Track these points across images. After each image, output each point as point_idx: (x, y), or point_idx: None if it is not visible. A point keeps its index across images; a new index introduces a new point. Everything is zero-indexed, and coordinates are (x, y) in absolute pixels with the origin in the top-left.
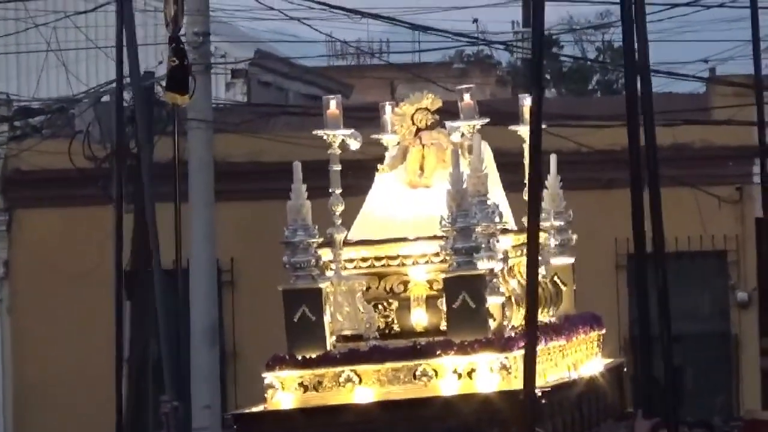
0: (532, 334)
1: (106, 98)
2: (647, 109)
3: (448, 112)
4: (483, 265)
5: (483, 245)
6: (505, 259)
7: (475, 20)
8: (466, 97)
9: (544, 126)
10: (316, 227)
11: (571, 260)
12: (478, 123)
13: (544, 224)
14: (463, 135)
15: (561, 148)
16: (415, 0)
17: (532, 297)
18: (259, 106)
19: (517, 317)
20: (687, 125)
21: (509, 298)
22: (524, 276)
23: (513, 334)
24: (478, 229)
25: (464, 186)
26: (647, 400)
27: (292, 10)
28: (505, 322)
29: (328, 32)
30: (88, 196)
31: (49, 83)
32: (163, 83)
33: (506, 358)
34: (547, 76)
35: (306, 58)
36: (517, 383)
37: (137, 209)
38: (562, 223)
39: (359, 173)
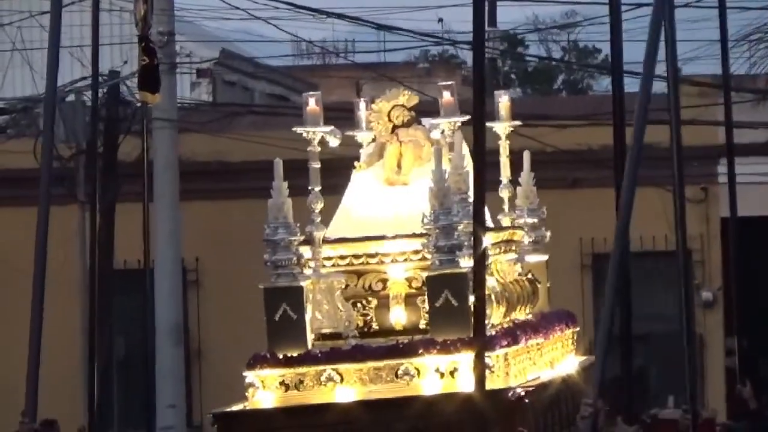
0: (480, 334)
1: (71, 98)
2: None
3: (417, 111)
4: (465, 264)
5: (465, 243)
6: (486, 257)
7: (440, 20)
8: (446, 94)
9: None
10: (298, 225)
11: (545, 257)
12: (459, 120)
13: (518, 221)
14: (443, 132)
15: (525, 147)
16: (380, 0)
17: (478, 296)
18: (224, 106)
19: (497, 315)
20: (652, 125)
21: (489, 296)
22: (502, 274)
23: (494, 333)
24: (460, 227)
25: (446, 184)
26: (628, 404)
27: (257, 9)
28: (486, 321)
29: (293, 32)
30: (53, 195)
31: (14, 82)
32: (128, 83)
33: (489, 357)
34: (513, 76)
35: (271, 58)
36: (499, 382)
37: (102, 209)
38: (536, 221)
39: (329, 172)
